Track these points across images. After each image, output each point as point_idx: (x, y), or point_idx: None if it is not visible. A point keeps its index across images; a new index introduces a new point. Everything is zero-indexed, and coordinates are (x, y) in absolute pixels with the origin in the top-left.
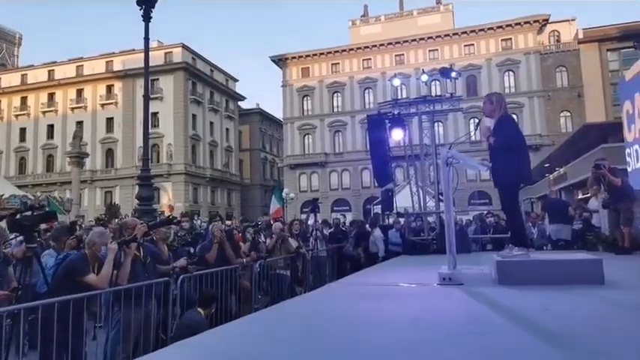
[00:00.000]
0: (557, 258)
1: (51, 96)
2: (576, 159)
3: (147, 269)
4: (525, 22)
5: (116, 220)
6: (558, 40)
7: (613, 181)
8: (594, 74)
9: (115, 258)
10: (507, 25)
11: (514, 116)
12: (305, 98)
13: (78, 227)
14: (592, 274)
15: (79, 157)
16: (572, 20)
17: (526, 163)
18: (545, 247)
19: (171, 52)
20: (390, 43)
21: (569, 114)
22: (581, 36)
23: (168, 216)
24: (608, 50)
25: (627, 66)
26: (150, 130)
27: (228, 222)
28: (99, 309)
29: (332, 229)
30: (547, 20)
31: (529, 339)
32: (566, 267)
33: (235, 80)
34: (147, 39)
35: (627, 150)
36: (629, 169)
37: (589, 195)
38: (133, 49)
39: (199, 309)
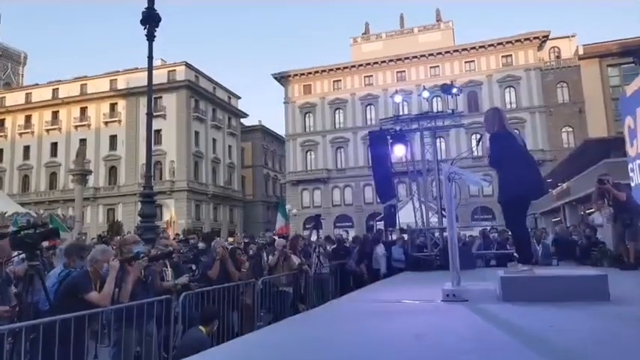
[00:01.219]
0: (561, 274)
1: (55, 114)
2: (579, 174)
3: (147, 288)
4: (525, 39)
5: (118, 238)
6: (558, 57)
7: (617, 196)
8: (595, 90)
9: (117, 275)
10: (507, 42)
11: (516, 131)
12: (307, 115)
13: None
14: (597, 290)
15: (82, 175)
16: (572, 36)
17: (521, 178)
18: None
19: (174, 70)
20: (392, 60)
21: (571, 129)
22: (581, 52)
23: (170, 252)
24: (608, 66)
25: (628, 81)
26: (153, 148)
27: (230, 239)
28: (100, 327)
29: (335, 245)
30: (547, 37)
31: (534, 356)
32: (570, 283)
33: (237, 97)
34: (150, 58)
35: (630, 165)
36: (633, 184)
37: (593, 210)
38: (137, 68)
39: (201, 327)
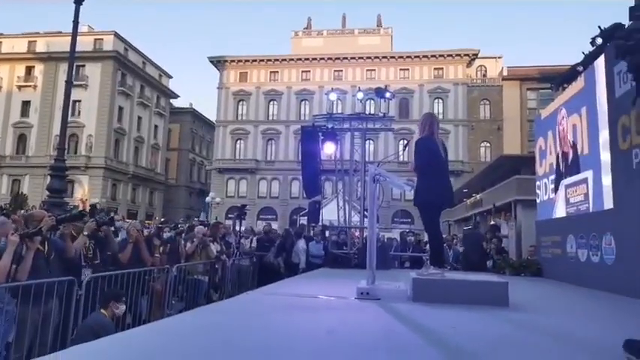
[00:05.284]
0: (467, 279)
1: None
2: (492, 187)
3: (50, 265)
4: (457, 55)
5: (22, 211)
6: (485, 75)
7: None
8: (514, 110)
9: (16, 251)
10: (440, 55)
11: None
12: (240, 103)
13: None
14: (498, 295)
15: None
16: (499, 58)
17: (439, 185)
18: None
19: (102, 39)
20: (330, 58)
21: (488, 144)
22: (505, 73)
23: (81, 211)
24: (528, 89)
25: (544, 105)
26: (70, 119)
27: (147, 222)
28: None
29: (260, 236)
30: (476, 55)
31: (435, 355)
32: (475, 288)
33: (169, 77)
34: (76, 22)
35: (537, 183)
36: (538, 201)
37: (501, 220)
38: (60, 32)
39: (102, 310)
